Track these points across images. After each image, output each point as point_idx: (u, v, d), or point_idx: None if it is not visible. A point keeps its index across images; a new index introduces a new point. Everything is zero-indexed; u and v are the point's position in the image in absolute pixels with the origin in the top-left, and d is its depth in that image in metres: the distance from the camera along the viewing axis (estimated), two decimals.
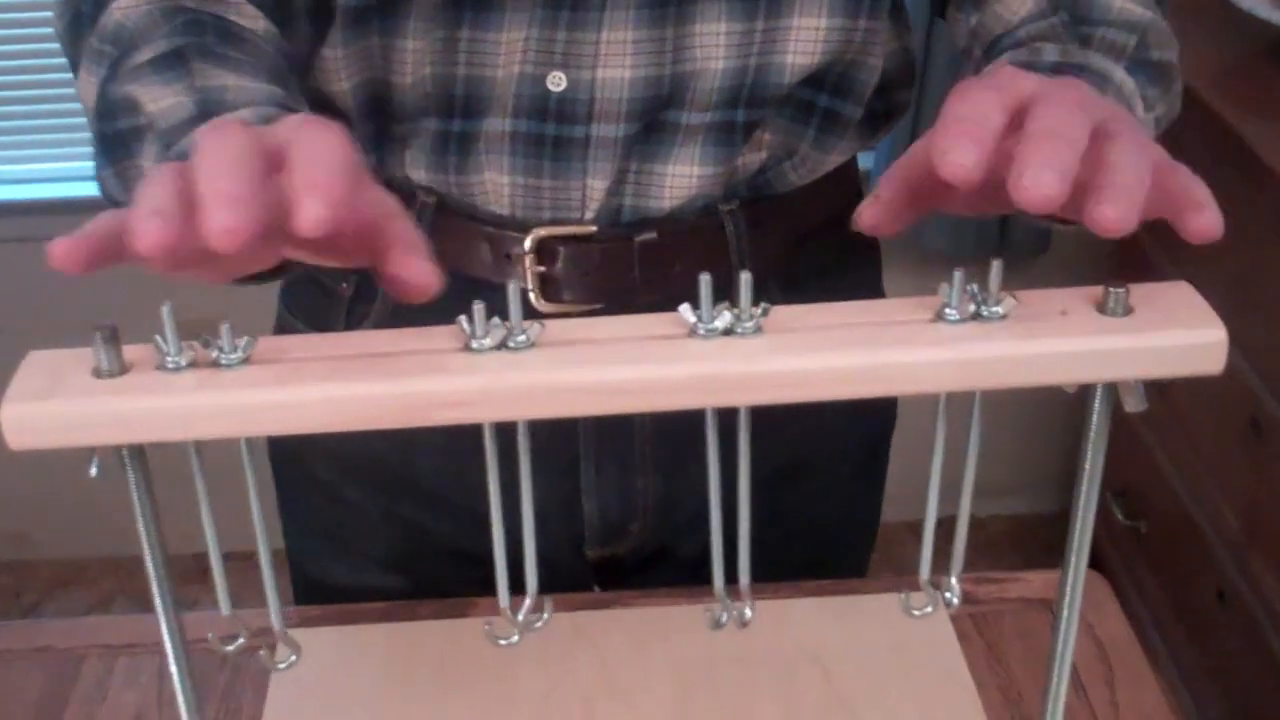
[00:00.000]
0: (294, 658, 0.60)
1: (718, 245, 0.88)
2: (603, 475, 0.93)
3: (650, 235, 0.86)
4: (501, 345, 0.53)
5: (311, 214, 0.48)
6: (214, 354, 0.53)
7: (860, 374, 0.52)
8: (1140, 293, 0.54)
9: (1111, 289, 0.53)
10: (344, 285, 0.91)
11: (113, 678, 0.54)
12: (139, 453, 0.54)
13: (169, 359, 0.52)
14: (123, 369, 0.53)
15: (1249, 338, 1.59)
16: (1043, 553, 2.31)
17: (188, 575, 1.75)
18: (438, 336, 0.54)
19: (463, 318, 0.53)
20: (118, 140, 0.68)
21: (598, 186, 0.84)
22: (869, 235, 1.02)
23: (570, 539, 0.97)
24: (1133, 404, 0.54)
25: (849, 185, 0.96)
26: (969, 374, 0.52)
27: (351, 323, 0.91)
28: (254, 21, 0.75)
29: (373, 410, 0.52)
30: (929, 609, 0.60)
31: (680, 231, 0.87)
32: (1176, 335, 0.52)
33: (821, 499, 1.01)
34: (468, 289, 0.87)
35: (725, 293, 0.88)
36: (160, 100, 0.67)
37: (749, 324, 0.53)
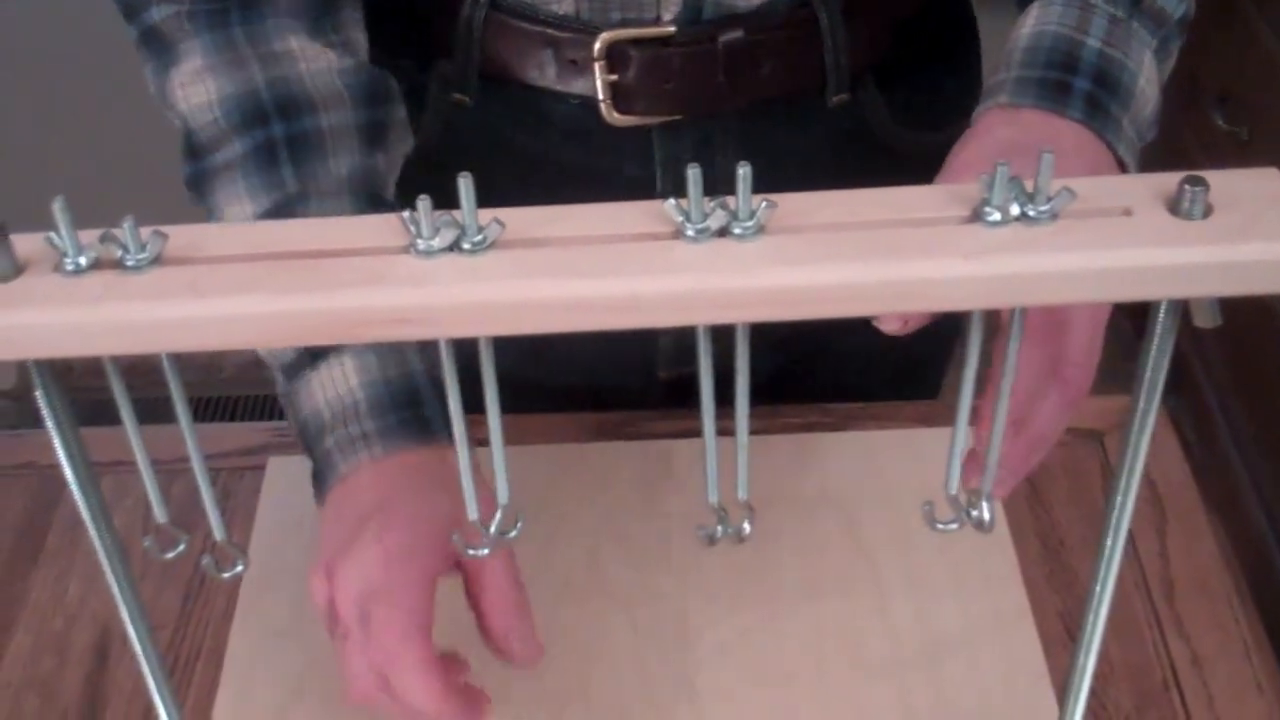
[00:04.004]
0: (240, 567, 0.55)
1: (811, 39, 0.78)
2: None
3: (736, 34, 0.76)
4: (454, 246, 0.45)
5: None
6: (118, 253, 0.45)
7: (878, 290, 0.43)
8: (1222, 186, 0.44)
9: (1187, 185, 0.43)
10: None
11: None
12: (47, 361, 0.48)
13: (67, 260, 0.45)
14: (16, 270, 0.45)
15: None
16: None
17: None
18: (380, 230, 0.46)
19: (406, 214, 0.44)
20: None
21: None
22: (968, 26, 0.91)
23: (642, 361, 0.91)
24: (1205, 319, 0.46)
25: None
26: (1008, 291, 0.43)
27: None
28: (317, 59, 0.70)
29: (303, 326, 0.44)
30: (954, 525, 0.53)
31: (770, 27, 0.77)
32: (1262, 248, 0.42)
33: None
34: (531, 100, 0.79)
35: (818, 93, 0.79)
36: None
37: (748, 223, 0.44)
